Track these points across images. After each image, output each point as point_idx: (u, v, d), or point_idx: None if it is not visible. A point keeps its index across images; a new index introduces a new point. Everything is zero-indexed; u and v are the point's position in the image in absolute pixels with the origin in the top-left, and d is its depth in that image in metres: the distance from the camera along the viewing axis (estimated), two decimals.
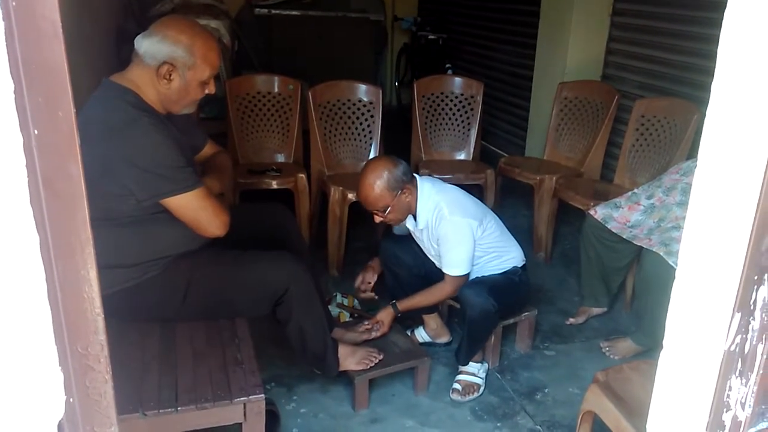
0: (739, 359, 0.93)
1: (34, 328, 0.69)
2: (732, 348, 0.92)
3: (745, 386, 0.94)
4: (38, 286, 0.68)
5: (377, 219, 2.47)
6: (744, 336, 0.91)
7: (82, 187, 0.70)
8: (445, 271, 2.44)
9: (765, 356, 0.92)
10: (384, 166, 2.34)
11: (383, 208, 2.37)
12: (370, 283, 2.72)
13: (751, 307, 0.90)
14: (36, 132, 0.65)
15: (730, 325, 0.90)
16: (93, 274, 0.72)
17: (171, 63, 1.85)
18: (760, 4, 0.78)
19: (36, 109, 0.64)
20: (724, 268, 0.89)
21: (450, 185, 2.54)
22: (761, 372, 0.92)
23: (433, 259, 2.57)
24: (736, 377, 0.94)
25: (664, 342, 1.01)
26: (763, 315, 0.90)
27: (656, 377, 1.03)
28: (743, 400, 0.95)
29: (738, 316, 0.89)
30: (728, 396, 0.95)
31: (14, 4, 0.61)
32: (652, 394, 1.05)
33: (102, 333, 0.74)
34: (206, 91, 1.95)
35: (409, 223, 2.51)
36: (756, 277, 0.88)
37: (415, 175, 2.45)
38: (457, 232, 2.37)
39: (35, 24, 0.62)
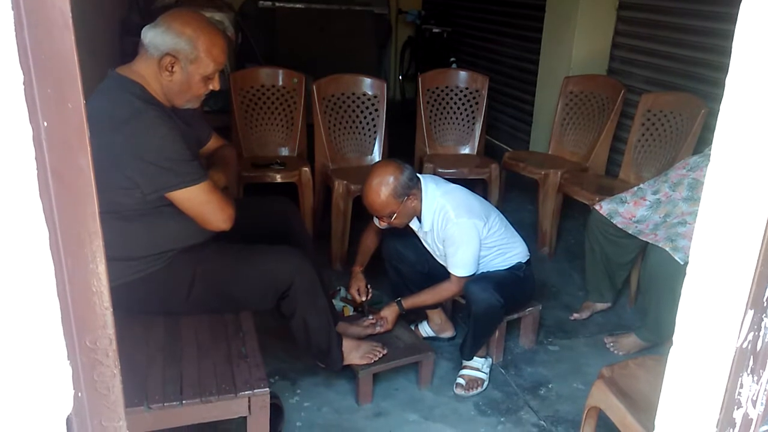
0: (751, 357, 0.92)
1: (43, 322, 0.68)
2: (744, 345, 0.91)
3: (757, 384, 0.94)
4: (47, 280, 0.67)
5: (382, 224, 2.45)
6: (756, 333, 0.91)
7: (91, 179, 0.69)
8: (451, 271, 2.43)
9: None
10: (390, 173, 2.32)
11: (389, 215, 2.36)
12: (367, 288, 2.69)
13: (765, 304, 0.89)
14: (45, 124, 0.64)
15: (742, 322, 0.89)
16: (102, 267, 0.71)
17: (173, 55, 1.83)
18: None
19: (45, 100, 0.64)
20: (737, 264, 0.88)
21: (453, 184, 2.52)
22: None
23: (438, 260, 2.56)
24: (748, 375, 0.93)
25: (675, 338, 1.00)
26: None
27: (666, 373, 1.03)
28: (755, 398, 0.94)
29: (751, 313, 0.89)
30: (739, 393, 0.94)
31: None
32: (662, 390, 1.04)
33: (110, 327, 0.74)
34: (210, 87, 1.93)
35: (414, 224, 2.50)
36: None
37: (418, 175, 2.44)
38: (463, 234, 2.36)
39: (45, 14, 0.61)
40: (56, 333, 0.69)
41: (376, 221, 2.60)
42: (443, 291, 2.49)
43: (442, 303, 2.70)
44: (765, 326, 0.90)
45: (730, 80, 0.87)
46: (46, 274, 0.67)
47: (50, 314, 0.69)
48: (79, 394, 0.74)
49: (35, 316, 0.68)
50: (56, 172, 0.66)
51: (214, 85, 1.94)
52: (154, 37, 1.82)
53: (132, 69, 1.87)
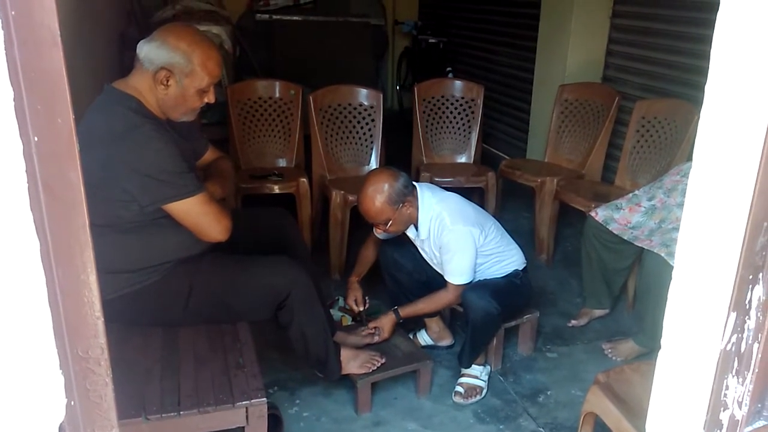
0: (736, 358, 0.93)
1: (35, 332, 0.70)
2: (728, 347, 0.92)
3: (742, 385, 0.95)
4: (39, 290, 0.69)
5: (378, 231, 2.47)
6: (740, 335, 0.92)
7: (81, 192, 0.71)
8: (447, 279, 2.44)
9: (761, 355, 0.93)
10: (385, 180, 2.34)
11: (385, 221, 2.38)
12: (364, 299, 2.71)
13: (747, 307, 0.90)
14: (36, 139, 0.66)
15: (726, 325, 0.91)
16: (93, 278, 0.73)
17: (168, 69, 1.85)
18: (753, 8, 0.79)
19: (35, 116, 0.66)
20: (720, 268, 0.89)
21: (450, 192, 2.54)
22: (757, 371, 0.93)
23: (435, 268, 2.58)
24: (733, 376, 0.94)
25: (663, 342, 1.01)
26: (759, 314, 0.91)
27: (654, 377, 1.04)
28: (740, 399, 0.95)
29: (733, 315, 0.90)
30: (725, 395, 0.95)
31: (13, 13, 0.62)
32: (651, 394, 1.05)
33: (102, 336, 0.75)
34: (205, 100, 1.95)
35: (411, 232, 2.51)
36: (751, 277, 0.89)
37: (415, 184, 2.46)
38: (459, 241, 2.38)
39: (34, 32, 0.63)
40: (48, 342, 0.71)
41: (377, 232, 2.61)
42: (440, 299, 2.50)
43: (439, 311, 2.71)
44: (748, 328, 0.91)
45: (709, 87, 0.89)
46: (38, 285, 0.69)
47: (42, 324, 0.70)
48: (72, 403, 0.75)
49: (27, 326, 0.70)
50: (47, 184, 0.68)
51: (210, 98, 1.96)
52: (149, 51, 1.85)
53: (128, 83, 1.89)
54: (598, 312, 3.06)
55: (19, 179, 0.65)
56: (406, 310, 2.51)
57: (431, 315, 2.72)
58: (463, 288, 2.42)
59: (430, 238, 2.45)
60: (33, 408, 0.72)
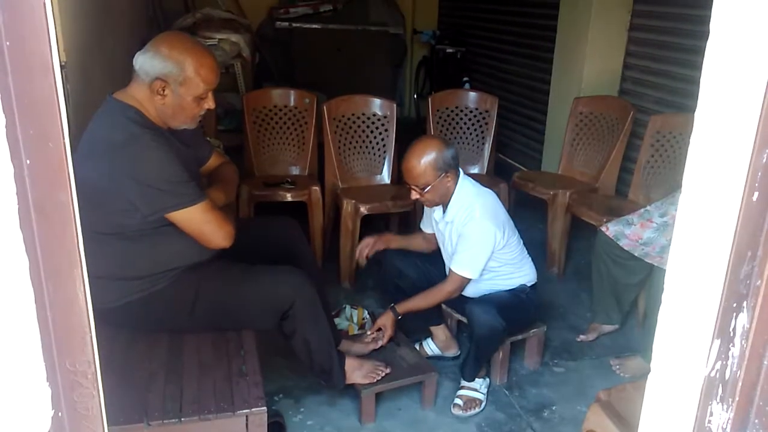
0: (720, 385, 0.93)
1: (23, 346, 0.73)
2: (712, 374, 0.92)
3: (727, 412, 0.95)
4: (28, 307, 0.72)
5: (413, 195, 2.46)
6: (724, 362, 0.92)
7: (71, 212, 0.73)
8: (453, 267, 2.44)
9: (744, 382, 0.92)
10: (435, 146, 2.37)
11: (423, 185, 2.39)
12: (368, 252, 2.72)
13: (731, 334, 0.90)
14: (28, 162, 0.69)
15: (709, 351, 0.91)
16: (82, 294, 0.76)
17: (163, 79, 1.86)
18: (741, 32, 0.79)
19: (28, 140, 0.68)
20: (704, 295, 0.90)
21: (489, 190, 2.56)
22: (740, 398, 0.93)
23: (445, 258, 2.58)
24: (717, 403, 0.94)
25: (652, 366, 1.02)
26: (743, 342, 0.91)
27: (644, 400, 1.04)
28: (724, 426, 0.95)
29: (717, 342, 0.90)
30: (710, 421, 0.95)
31: (8, 43, 0.65)
32: (640, 417, 1.06)
33: (90, 351, 0.78)
34: (205, 107, 1.97)
35: (438, 213, 2.53)
36: (735, 305, 0.89)
37: (459, 169, 2.48)
38: (481, 235, 2.39)
39: (27, 61, 0.66)
40: (36, 356, 0.74)
41: (423, 224, 2.65)
42: (438, 292, 2.49)
43: (436, 305, 2.65)
44: (732, 355, 0.91)
45: (698, 115, 0.90)
46: (27, 301, 0.72)
47: (30, 338, 0.73)
48: (60, 414, 0.78)
49: (15, 340, 0.72)
50: (38, 205, 0.70)
51: (209, 104, 1.97)
52: (143, 62, 1.87)
53: (128, 93, 1.91)
54: (608, 327, 3.04)
55: (9, 201, 0.68)
56: (403, 306, 2.52)
57: (436, 321, 2.73)
58: (463, 282, 2.43)
59: (453, 223, 2.46)
60: (18, 418, 0.75)
